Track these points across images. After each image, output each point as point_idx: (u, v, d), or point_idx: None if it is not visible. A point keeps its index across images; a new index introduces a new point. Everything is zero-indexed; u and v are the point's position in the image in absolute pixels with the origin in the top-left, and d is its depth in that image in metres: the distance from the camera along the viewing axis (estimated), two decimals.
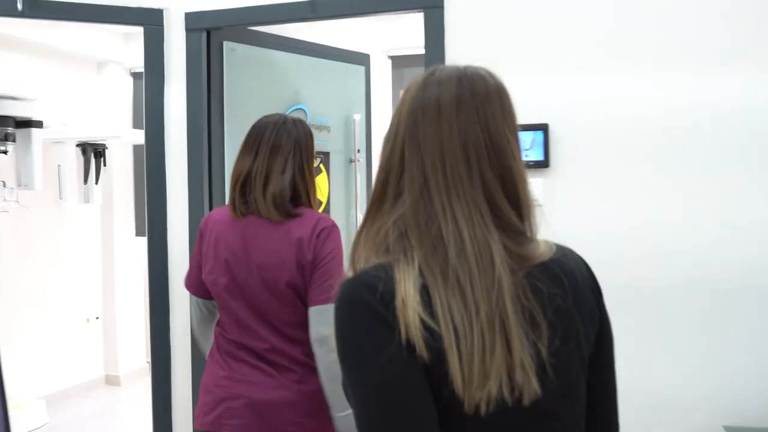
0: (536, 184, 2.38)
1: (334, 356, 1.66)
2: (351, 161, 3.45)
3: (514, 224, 0.91)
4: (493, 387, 0.83)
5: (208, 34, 2.79)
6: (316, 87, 3.25)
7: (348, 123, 3.43)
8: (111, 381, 5.55)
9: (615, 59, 2.32)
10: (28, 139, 3.84)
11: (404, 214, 0.91)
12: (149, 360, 3.12)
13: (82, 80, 5.35)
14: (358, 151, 3.45)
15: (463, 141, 0.90)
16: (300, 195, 1.85)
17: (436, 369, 0.84)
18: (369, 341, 0.85)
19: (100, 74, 5.49)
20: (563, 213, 2.35)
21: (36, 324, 4.91)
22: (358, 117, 3.46)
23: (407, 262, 0.87)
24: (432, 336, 0.83)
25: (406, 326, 0.83)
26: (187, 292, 2.08)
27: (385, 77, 5.15)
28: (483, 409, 0.83)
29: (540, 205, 2.40)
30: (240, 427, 1.78)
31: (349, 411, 1.68)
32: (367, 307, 0.85)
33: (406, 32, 4.98)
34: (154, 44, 2.75)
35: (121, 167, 5.45)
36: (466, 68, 0.96)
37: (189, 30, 2.75)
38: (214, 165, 2.81)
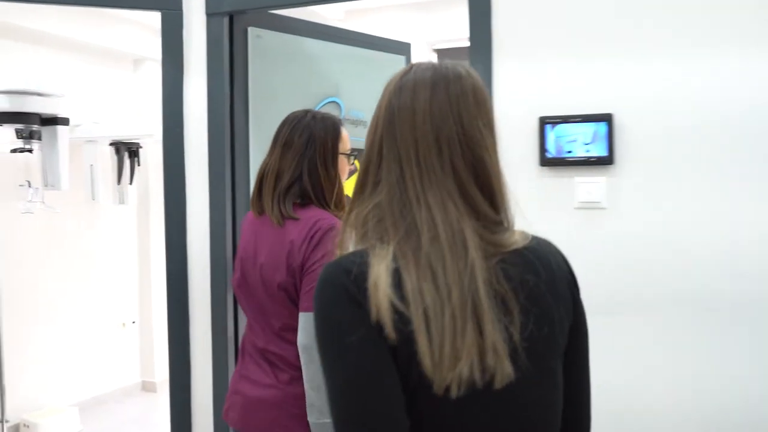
0: (598, 185, 2.05)
1: (315, 367, 1.63)
2: None
3: (486, 213, 0.94)
4: (464, 369, 0.85)
5: (231, 19, 2.54)
6: (351, 78, 2.98)
7: None
8: (147, 387, 5.41)
9: (694, 37, 1.97)
10: (54, 137, 3.68)
11: (381, 202, 0.94)
12: None
13: (118, 77, 5.21)
14: None
15: (436, 134, 0.93)
16: (309, 194, 1.78)
17: (403, 351, 0.86)
18: (343, 322, 0.88)
19: (137, 71, 5.35)
20: (630, 217, 2.03)
21: (70, 329, 4.81)
22: None
23: (383, 248, 0.90)
24: (401, 318, 0.86)
25: (377, 308, 0.86)
26: (208, 298, 2.33)
27: None
28: (454, 391, 0.85)
29: (603, 209, 2.00)
30: (235, 421, 1.83)
31: (327, 420, 1.64)
32: (342, 289, 0.88)
33: (451, 24, 4.72)
34: (172, 31, 2.51)
35: (157, 167, 5.28)
36: (441, 66, 0.98)
37: (210, 14, 2.50)
38: (238, 163, 2.56)
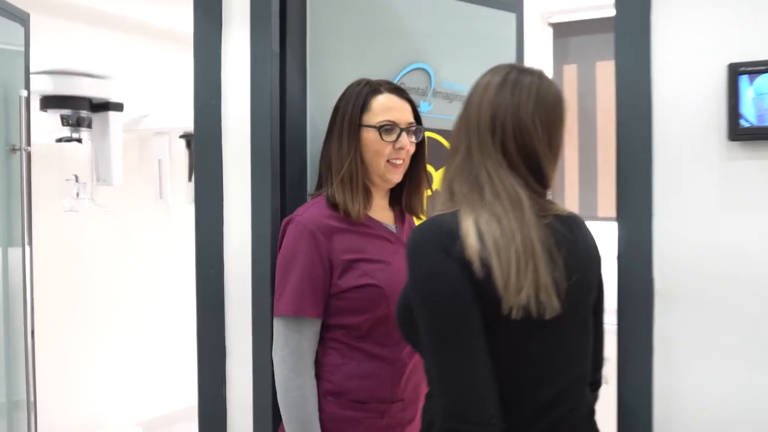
0: None
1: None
2: None
3: (533, 186, 1.21)
4: (523, 298, 1.11)
5: None
6: (444, 40, 2.30)
7: None
8: None
9: None
10: (106, 124, 3.22)
11: (457, 163, 1.23)
12: None
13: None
14: None
15: (492, 118, 1.20)
16: (321, 176, 1.72)
17: (486, 283, 1.12)
18: (437, 265, 1.14)
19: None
20: None
21: (137, 340, 4.43)
22: None
23: (469, 207, 1.17)
24: (482, 259, 1.11)
25: (469, 251, 1.11)
26: (249, 323, 1.98)
27: (545, 49, 4.13)
28: (514, 314, 1.12)
29: None
30: None
31: None
32: (437, 241, 1.15)
33: None
34: None
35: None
36: (518, 69, 1.25)
37: None
38: (290, 148, 1.94)
